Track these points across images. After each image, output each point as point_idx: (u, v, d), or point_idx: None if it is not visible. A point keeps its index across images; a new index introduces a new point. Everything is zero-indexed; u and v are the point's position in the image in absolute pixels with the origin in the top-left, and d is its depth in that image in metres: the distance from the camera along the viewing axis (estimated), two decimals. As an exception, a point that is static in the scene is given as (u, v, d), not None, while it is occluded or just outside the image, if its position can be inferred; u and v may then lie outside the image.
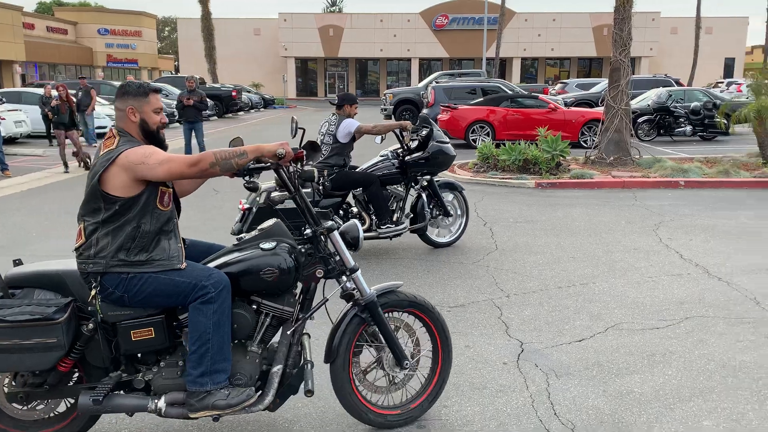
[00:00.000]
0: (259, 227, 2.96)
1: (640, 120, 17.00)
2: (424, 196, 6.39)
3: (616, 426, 3.18)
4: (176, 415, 2.73)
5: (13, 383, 2.78)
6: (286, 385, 2.85)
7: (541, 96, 18.36)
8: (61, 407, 2.89)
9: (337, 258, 2.93)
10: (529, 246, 6.67)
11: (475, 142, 15.33)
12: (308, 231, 2.89)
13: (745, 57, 53.19)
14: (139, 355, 2.80)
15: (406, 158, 6.31)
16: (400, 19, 47.73)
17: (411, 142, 6.39)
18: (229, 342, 2.72)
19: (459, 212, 6.73)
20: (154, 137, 2.73)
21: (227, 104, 27.94)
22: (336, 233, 2.92)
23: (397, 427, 3.11)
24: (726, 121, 14.54)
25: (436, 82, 20.60)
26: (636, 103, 17.21)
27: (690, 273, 5.69)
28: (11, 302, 2.60)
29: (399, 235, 6.27)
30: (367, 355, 3.12)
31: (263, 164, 2.70)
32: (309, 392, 2.81)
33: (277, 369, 2.81)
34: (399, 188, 6.35)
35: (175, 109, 16.63)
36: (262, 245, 2.80)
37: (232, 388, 2.72)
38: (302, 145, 2.94)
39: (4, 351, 2.56)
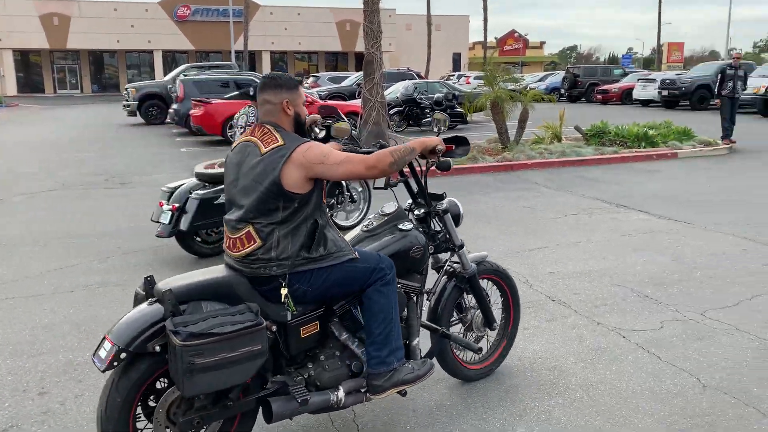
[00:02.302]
0: (381, 212, 3.07)
1: (391, 112, 17.68)
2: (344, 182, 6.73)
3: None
4: (352, 402, 2.76)
5: (177, 410, 2.48)
6: (428, 353, 3.17)
7: (296, 89, 18.13)
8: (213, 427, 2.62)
9: (441, 235, 3.19)
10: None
11: (233, 137, 14.56)
12: (420, 211, 3.13)
13: (468, 52, 59.38)
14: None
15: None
16: (137, 9, 44.21)
17: (320, 133, 6.60)
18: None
19: (363, 197, 7.23)
20: (302, 130, 2.68)
21: (-77, 104, 23.11)
22: (448, 214, 3.17)
23: (479, 379, 3.51)
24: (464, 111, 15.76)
25: (185, 75, 19.24)
26: (387, 96, 17.88)
27: (466, 262, 5.76)
28: (190, 318, 2.34)
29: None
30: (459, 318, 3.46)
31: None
32: (480, 350, 3.37)
33: (416, 342, 3.02)
34: None
35: None
36: (400, 227, 3.00)
37: (409, 362, 2.86)
38: (449, 140, 2.99)
39: (212, 369, 2.30)
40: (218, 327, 2.32)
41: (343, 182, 6.74)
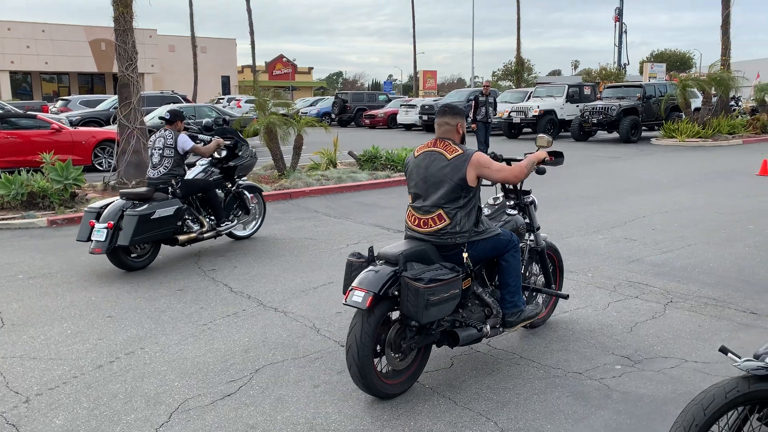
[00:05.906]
0: (490, 203, 4.33)
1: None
2: (247, 194, 7.60)
3: None
4: (492, 335, 3.89)
5: (397, 340, 3.55)
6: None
7: (40, 115, 15.92)
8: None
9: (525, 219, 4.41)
10: (50, 310, 5.18)
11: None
12: (511, 202, 4.37)
13: (238, 75, 58.39)
14: None
15: (230, 163, 7.35)
16: None
17: (221, 153, 7.28)
18: None
19: (258, 210, 7.85)
20: (464, 143, 3.86)
21: None
22: (532, 205, 4.43)
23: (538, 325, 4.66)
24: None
25: None
26: (149, 121, 16.49)
27: (245, 309, 5.19)
28: (415, 271, 3.39)
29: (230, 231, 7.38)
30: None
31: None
32: (567, 296, 4.51)
33: None
34: (221, 192, 7.23)
35: None
36: (507, 212, 4.26)
37: (529, 305, 4.16)
38: (551, 153, 4.01)
39: (436, 304, 3.33)
40: (438, 276, 3.35)
41: (246, 196, 7.52)
